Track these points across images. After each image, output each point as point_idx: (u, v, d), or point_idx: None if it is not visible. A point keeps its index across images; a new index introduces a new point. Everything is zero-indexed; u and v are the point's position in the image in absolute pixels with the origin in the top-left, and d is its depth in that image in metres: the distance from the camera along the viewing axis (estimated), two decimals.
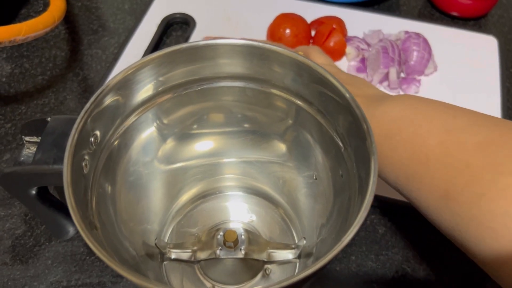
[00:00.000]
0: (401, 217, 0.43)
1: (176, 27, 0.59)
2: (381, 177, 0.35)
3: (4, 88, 0.53)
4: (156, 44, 0.56)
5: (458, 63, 0.54)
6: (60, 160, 0.27)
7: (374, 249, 0.41)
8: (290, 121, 0.33)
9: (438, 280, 0.40)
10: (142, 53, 0.54)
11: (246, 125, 0.36)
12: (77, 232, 0.34)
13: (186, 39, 0.56)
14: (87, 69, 0.55)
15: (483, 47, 0.55)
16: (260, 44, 0.29)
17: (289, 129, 0.34)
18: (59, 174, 0.26)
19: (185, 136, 0.36)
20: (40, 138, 0.30)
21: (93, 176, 0.29)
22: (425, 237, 0.42)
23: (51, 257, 0.41)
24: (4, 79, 0.54)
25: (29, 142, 0.31)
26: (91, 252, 0.41)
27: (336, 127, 0.30)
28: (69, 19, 0.60)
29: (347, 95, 0.25)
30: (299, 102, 0.32)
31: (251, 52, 0.29)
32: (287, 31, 0.54)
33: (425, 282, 0.40)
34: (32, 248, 0.41)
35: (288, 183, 0.39)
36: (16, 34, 0.43)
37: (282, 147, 0.36)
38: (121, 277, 0.40)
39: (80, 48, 0.57)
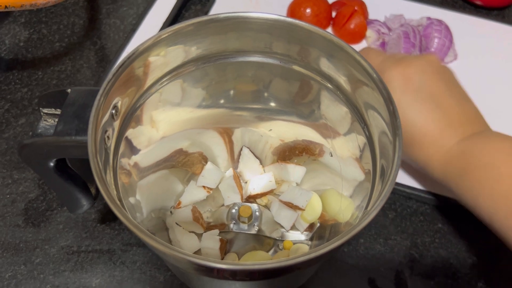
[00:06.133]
0: (411, 203, 0.43)
1: (195, 0, 0.58)
2: (472, 208, 0.35)
3: (22, 53, 0.53)
4: (175, 17, 0.55)
5: (479, 53, 0.53)
6: (82, 131, 0.26)
7: (383, 233, 0.42)
8: (315, 101, 0.33)
9: (445, 267, 0.40)
10: (160, 25, 0.54)
11: (272, 104, 0.35)
12: (91, 206, 0.33)
13: (205, 14, 0.56)
14: (104, 38, 0.55)
15: (506, 37, 0.54)
16: (290, 19, 0.28)
17: (314, 109, 0.33)
18: (82, 146, 0.25)
19: (208, 108, 0.36)
20: (58, 110, 0.29)
21: (115, 147, 0.28)
22: (434, 224, 0.42)
23: (63, 222, 0.41)
24: (22, 44, 0.54)
25: (46, 114, 0.29)
26: (102, 219, 0.42)
27: (361, 109, 0.29)
28: None
29: (375, 75, 0.25)
30: (327, 84, 0.31)
31: (281, 27, 0.29)
32: (308, 10, 0.53)
33: (432, 269, 0.40)
34: (44, 212, 0.42)
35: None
36: None
37: (305, 127, 0.35)
38: (131, 245, 0.40)
39: (98, 17, 0.57)
